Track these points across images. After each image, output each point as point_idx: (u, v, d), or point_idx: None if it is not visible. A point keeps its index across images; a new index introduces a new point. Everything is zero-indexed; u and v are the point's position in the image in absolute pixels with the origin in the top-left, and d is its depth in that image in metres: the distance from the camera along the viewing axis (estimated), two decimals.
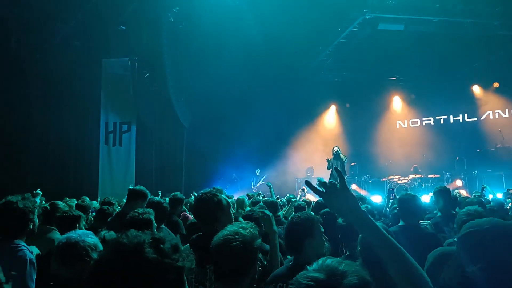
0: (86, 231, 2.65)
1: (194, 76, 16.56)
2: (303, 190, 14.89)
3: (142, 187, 5.21)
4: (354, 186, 16.61)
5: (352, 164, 18.06)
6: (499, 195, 9.46)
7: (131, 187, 5.98)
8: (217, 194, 3.27)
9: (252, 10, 12.92)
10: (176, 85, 16.01)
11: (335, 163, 14.41)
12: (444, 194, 5.41)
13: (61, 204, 5.02)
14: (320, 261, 1.32)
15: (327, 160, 14.90)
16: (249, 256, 2.27)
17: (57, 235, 4.61)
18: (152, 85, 16.61)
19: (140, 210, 3.83)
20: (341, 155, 14.56)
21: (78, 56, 15.16)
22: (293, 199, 8.46)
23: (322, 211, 6.02)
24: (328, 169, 14.79)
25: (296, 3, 12.72)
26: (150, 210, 3.96)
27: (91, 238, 2.52)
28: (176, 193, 6.55)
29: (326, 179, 14.81)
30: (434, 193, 5.62)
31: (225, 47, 14.89)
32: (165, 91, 15.79)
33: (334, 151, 14.68)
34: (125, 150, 16.25)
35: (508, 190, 9.68)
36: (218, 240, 2.28)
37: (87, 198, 8.99)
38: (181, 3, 13.72)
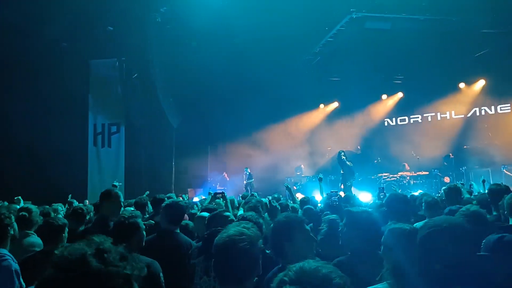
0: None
1: (182, 76, 16.50)
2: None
3: (110, 188, 4.96)
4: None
5: None
6: None
7: (115, 183, 5.71)
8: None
9: (239, 9, 12.90)
10: (165, 85, 15.95)
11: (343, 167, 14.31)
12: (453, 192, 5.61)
13: (34, 208, 4.87)
14: (298, 265, 1.39)
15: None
16: (256, 256, 2.22)
17: (34, 239, 4.47)
18: (141, 86, 16.53)
19: (127, 214, 3.72)
20: (348, 162, 14.37)
21: (65, 57, 15.04)
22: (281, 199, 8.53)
23: (304, 207, 6.08)
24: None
25: (283, 2, 12.73)
26: (138, 212, 3.85)
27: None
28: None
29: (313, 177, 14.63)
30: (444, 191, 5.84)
31: (212, 46, 14.88)
32: (153, 92, 15.74)
33: (342, 156, 14.50)
34: (114, 151, 16.16)
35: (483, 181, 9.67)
36: (222, 240, 2.19)
37: (75, 201, 8.95)
38: (169, 3, 13.67)
